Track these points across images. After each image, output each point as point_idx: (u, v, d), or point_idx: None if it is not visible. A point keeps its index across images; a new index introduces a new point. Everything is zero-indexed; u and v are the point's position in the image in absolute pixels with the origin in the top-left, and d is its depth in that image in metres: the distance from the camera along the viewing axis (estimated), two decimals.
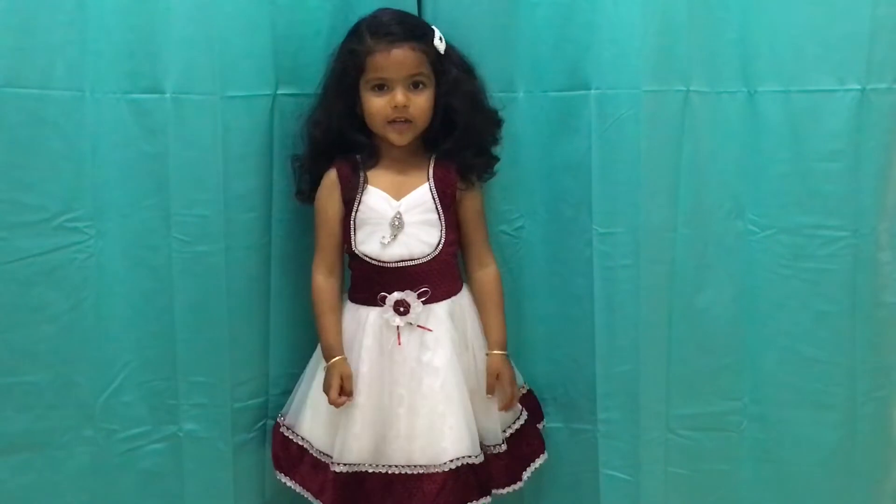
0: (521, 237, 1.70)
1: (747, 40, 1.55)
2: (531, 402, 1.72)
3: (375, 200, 1.55)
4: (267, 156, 1.59)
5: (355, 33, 1.52)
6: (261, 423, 1.69)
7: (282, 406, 1.68)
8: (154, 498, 1.67)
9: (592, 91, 1.57)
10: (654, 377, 1.63)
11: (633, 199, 1.57)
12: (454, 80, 1.53)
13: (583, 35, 1.57)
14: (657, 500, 1.66)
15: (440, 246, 1.55)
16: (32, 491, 1.60)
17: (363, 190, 1.55)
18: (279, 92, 1.58)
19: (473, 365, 1.60)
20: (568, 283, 1.68)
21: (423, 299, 1.53)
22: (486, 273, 1.62)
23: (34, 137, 1.50)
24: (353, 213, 1.55)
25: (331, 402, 1.54)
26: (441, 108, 1.54)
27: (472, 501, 1.53)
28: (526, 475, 1.66)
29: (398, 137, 1.52)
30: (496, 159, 1.61)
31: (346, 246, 1.58)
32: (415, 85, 1.51)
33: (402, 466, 1.53)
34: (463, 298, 1.61)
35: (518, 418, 1.67)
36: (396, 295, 1.53)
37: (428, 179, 1.56)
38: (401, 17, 1.53)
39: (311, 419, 1.60)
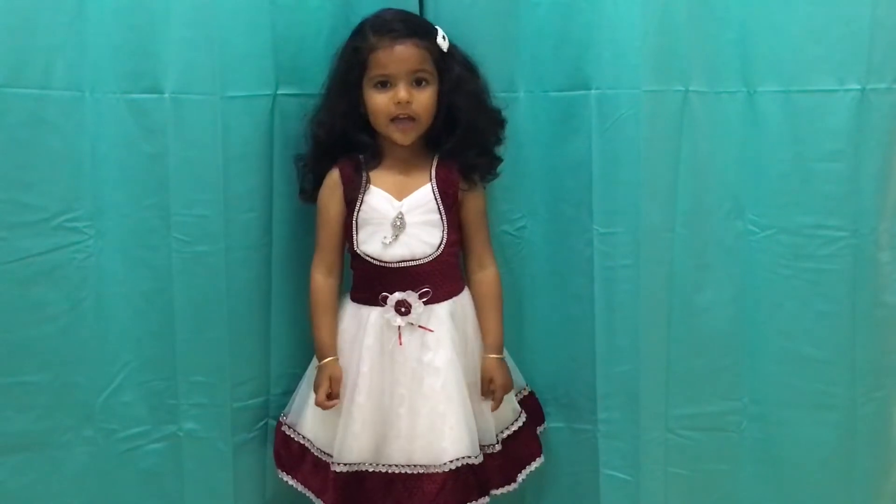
0: (522, 237, 1.70)
1: (747, 40, 1.55)
2: (532, 405, 1.72)
3: (378, 201, 1.55)
4: (267, 156, 1.59)
5: (358, 32, 1.52)
6: (261, 423, 1.69)
7: (283, 406, 1.67)
8: (154, 498, 1.67)
9: (593, 91, 1.58)
10: (654, 377, 1.63)
11: (634, 198, 1.57)
12: (457, 78, 1.53)
13: (583, 35, 1.57)
14: (657, 500, 1.66)
15: (442, 246, 1.55)
16: (32, 491, 1.60)
17: (365, 190, 1.55)
18: (279, 92, 1.58)
19: (473, 366, 1.60)
20: (568, 283, 1.68)
21: (425, 300, 1.53)
22: (486, 275, 1.62)
23: (34, 137, 1.50)
24: (356, 213, 1.55)
25: (317, 404, 1.54)
26: (444, 107, 1.53)
27: (471, 502, 1.53)
28: (521, 477, 1.66)
29: (402, 136, 1.52)
30: (499, 160, 1.61)
31: (347, 246, 1.58)
32: (418, 82, 1.50)
33: (403, 466, 1.53)
34: (464, 299, 1.60)
35: (516, 420, 1.67)
36: (398, 295, 1.53)
37: (430, 180, 1.56)
38: (404, 15, 1.53)
39: (312, 418, 1.60)
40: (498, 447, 1.62)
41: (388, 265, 1.54)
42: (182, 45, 1.51)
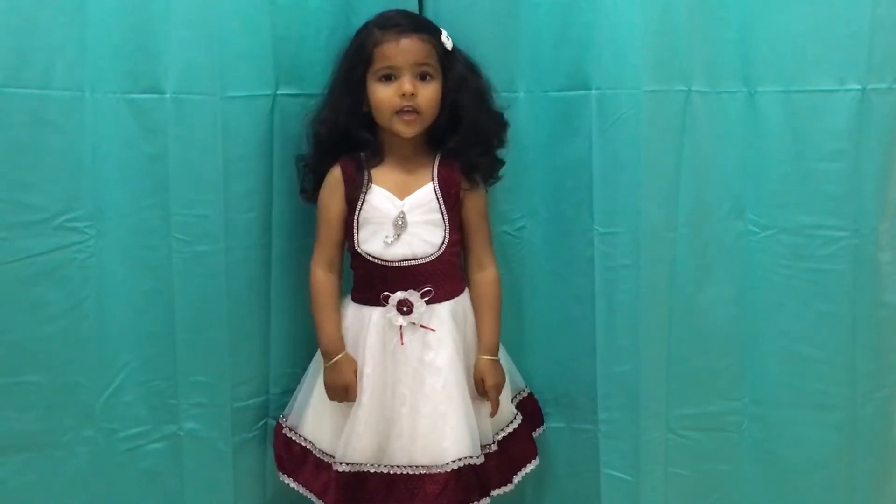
0: (522, 237, 1.70)
1: (747, 40, 1.55)
2: (531, 407, 1.72)
3: (379, 199, 1.55)
4: (267, 156, 1.59)
5: (363, 30, 1.52)
6: (261, 423, 1.69)
7: (283, 406, 1.67)
8: (154, 498, 1.67)
9: (593, 91, 1.58)
10: (654, 377, 1.63)
11: (634, 199, 1.57)
12: (461, 76, 1.53)
13: (583, 35, 1.57)
14: (657, 500, 1.66)
15: (443, 246, 1.55)
16: (33, 491, 1.60)
17: (367, 189, 1.55)
18: (279, 92, 1.58)
19: (472, 366, 1.59)
20: (569, 283, 1.68)
21: (426, 299, 1.53)
22: (485, 276, 1.62)
23: (34, 137, 1.50)
24: (357, 212, 1.55)
25: (350, 400, 1.53)
26: (447, 105, 1.53)
27: (473, 502, 1.53)
28: (517, 479, 1.65)
29: (406, 129, 1.52)
30: (501, 162, 1.61)
31: (347, 245, 1.58)
32: (422, 77, 1.50)
33: (405, 467, 1.52)
34: (465, 299, 1.60)
35: (512, 421, 1.67)
36: (399, 294, 1.53)
37: (432, 179, 1.56)
38: (408, 13, 1.55)
39: (313, 420, 1.61)
40: (494, 447, 1.61)
41: (389, 264, 1.54)
42: (182, 45, 1.51)
